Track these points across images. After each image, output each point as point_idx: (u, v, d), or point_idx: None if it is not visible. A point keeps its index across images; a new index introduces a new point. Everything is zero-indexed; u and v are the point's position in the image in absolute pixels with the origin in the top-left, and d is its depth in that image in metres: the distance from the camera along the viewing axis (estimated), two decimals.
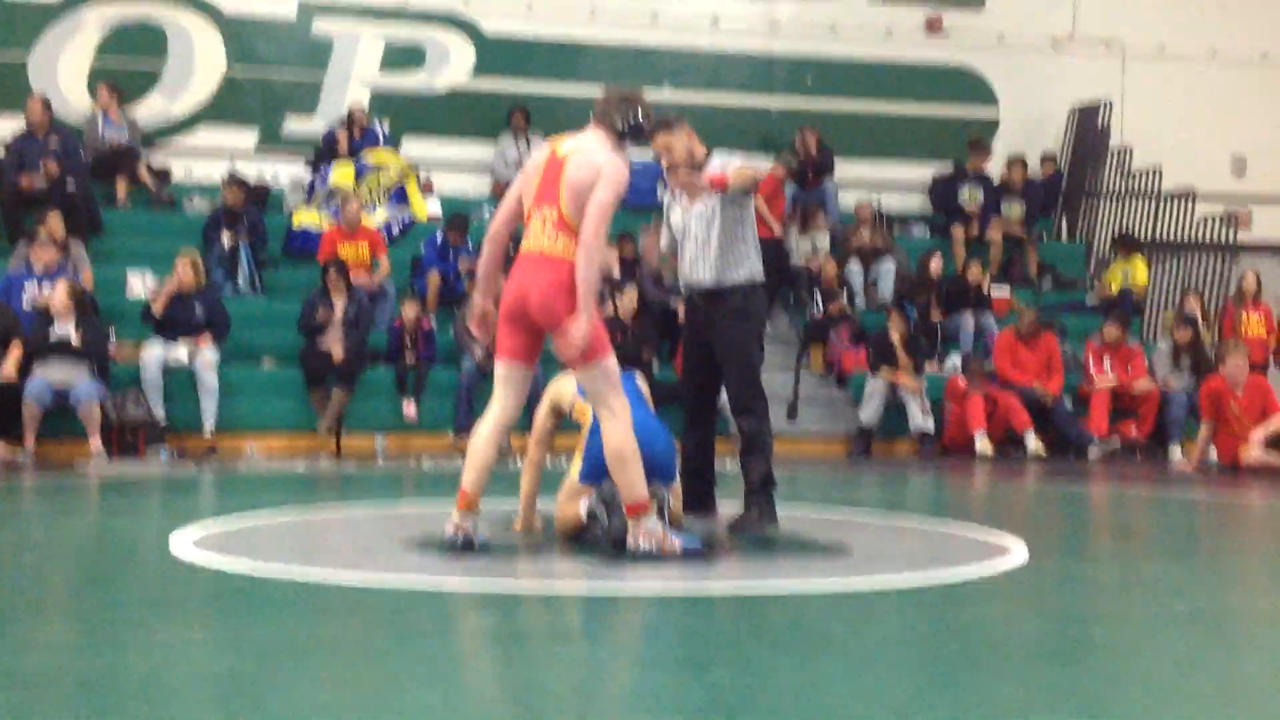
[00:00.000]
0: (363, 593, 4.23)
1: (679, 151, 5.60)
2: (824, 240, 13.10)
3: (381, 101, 13.25)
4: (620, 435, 4.76)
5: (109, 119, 12.32)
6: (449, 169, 13.44)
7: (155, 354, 10.05)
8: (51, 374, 9.53)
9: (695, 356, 5.84)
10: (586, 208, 4.76)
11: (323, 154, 12.71)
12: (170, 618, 3.91)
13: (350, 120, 12.80)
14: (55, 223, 10.56)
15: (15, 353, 9.50)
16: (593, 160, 4.83)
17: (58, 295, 9.64)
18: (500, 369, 4.95)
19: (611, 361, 4.81)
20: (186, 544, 5.06)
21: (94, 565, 5.07)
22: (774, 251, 12.46)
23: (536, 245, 4.84)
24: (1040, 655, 3.59)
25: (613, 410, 4.79)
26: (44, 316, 9.71)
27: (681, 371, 6.45)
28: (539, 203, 4.89)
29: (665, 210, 6.04)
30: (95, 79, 12.63)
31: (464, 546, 4.81)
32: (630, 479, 4.77)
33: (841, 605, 4.16)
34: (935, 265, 12.45)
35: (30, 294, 10.13)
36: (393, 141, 13.03)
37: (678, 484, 5.38)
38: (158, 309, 10.17)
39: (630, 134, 4.94)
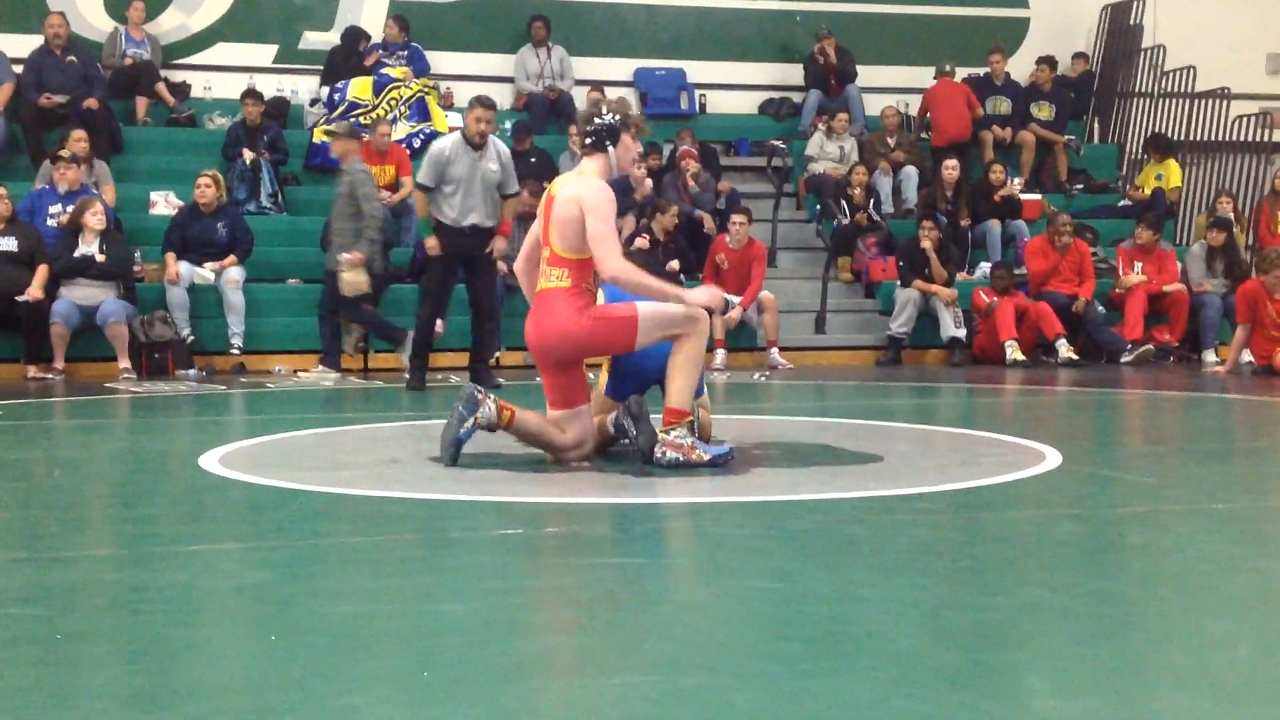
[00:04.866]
0: (391, 504, 4.23)
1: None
2: (851, 148, 12.92)
3: (399, 12, 13.04)
4: (692, 346, 4.84)
5: (130, 35, 12.20)
6: (469, 81, 13.27)
7: (181, 272, 10.03)
8: (78, 294, 9.53)
9: (451, 270, 8.45)
10: (587, 242, 4.78)
11: (337, 64, 12.56)
12: (200, 531, 3.92)
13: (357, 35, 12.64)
14: (80, 141, 10.50)
15: (42, 273, 9.50)
16: (572, 194, 4.84)
17: (93, 213, 9.57)
18: (551, 413, 4.99)
19: (645, 308, 4.82)
20: (215, 460, 5.07)
21: (124, 481, 5.09)
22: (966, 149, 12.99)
23: (542, 286, 4.96)
24: (1074, 558, 3.56)
25: (681, 335, 4.84)
26: (69, 236, 9.68)
27: (438, 279, 8.52)
28: (543, 245, 4.99)
29: (446, 159, 7.99)
30: None
31: (470, 406, 4.82)
32: (682, 386, 4.84)
33: (872, 511, 4.13)
34: (949, 173, 12.23)
35: (55, 214, 10.09)
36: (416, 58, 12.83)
37: (706, 396, 5.36)
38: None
39: (599, 141, 4.94)
